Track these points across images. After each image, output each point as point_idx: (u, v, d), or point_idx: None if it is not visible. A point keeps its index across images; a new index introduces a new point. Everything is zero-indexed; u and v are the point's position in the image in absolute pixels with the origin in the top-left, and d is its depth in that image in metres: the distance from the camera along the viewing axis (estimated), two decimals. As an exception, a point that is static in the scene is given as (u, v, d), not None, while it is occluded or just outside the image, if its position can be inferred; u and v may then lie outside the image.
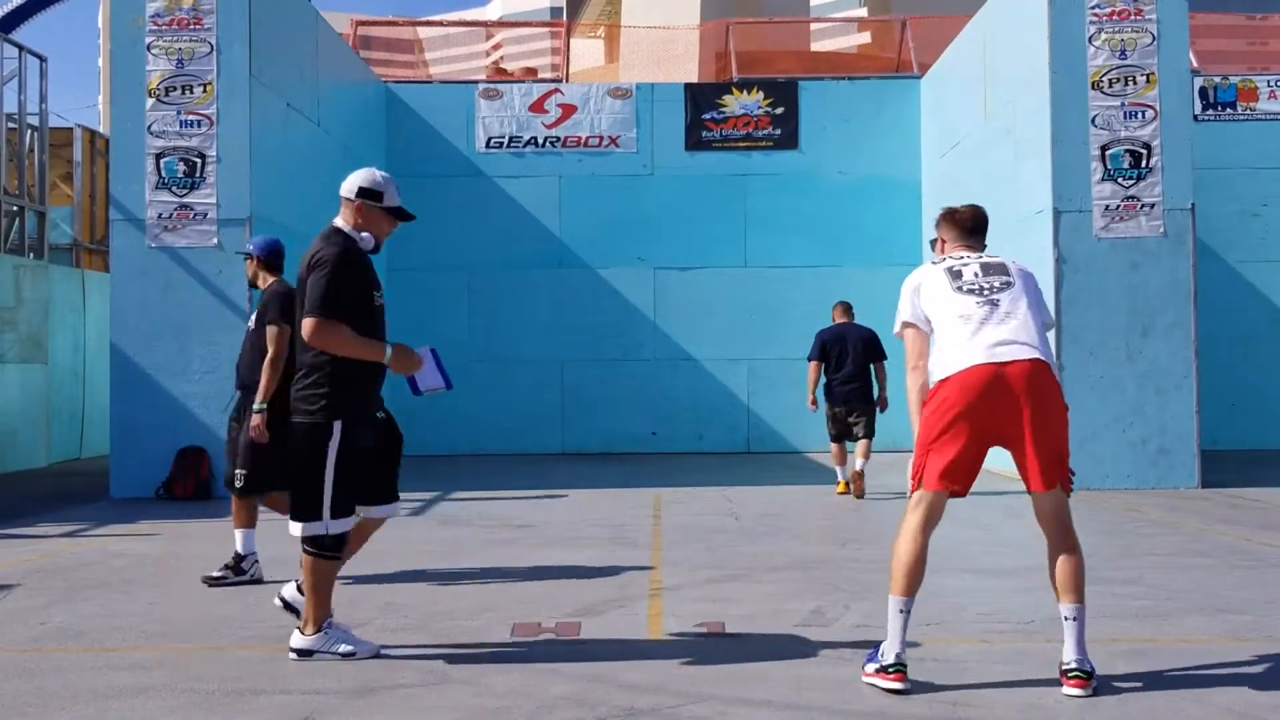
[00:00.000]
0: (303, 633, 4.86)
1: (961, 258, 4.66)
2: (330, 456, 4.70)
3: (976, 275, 4.54)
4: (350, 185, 5.00)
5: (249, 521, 6.67)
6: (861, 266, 16.87)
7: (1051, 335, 11.24)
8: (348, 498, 4.78)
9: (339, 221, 4.96)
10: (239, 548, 6.65)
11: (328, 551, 4.78)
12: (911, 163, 16.97)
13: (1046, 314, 4.57)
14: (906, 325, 4.62)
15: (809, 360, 11.10)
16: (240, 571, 6.62)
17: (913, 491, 4.45)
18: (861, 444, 10.62)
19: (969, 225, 4.78)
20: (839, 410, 10.76)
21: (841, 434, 10.82)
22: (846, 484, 10.77)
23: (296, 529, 4.79)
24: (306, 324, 4.66)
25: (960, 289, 4.51)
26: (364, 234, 4.95)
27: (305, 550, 4.79)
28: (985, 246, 4.82)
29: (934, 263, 4.74)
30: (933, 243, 5.00)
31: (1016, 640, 5.08)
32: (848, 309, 11.24)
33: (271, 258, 7.12)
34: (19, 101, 15.55)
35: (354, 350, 4.72)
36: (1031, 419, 4.30)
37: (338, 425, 4.72)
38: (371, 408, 4.93)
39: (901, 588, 4.35)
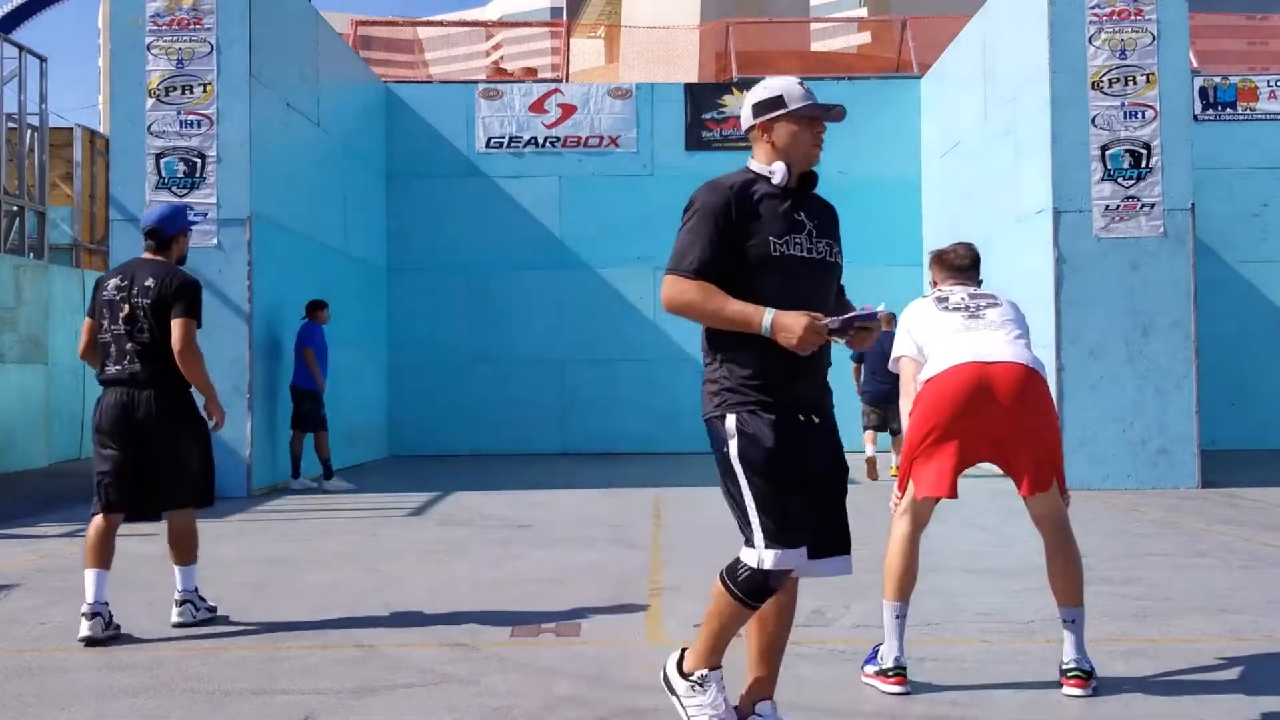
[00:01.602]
0: (681, 669, 3.66)
1: (951, 289, 4.69)
2: (735, 464, 3.46)
3: (963, 299, 4.59)
4: (745, 114, 3.74)
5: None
6: (861, 266, 16.82)
7: (1051, 335, 11.33)
8: (783, 524, 3.42)
9: (751, 163, 3.74)
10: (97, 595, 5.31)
11: (739, 590, 3.48)
12: (911, 163, 16.97)
13: (1030, 342, 4.55)
14: (901, 358, 4.65)
15: (852, 360, 12.59)
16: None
17: (900, 498, 4.46)
18: (898, 439, 11.44)
19: (958, 264, 4.79)
20: (870, 407, 12.16)
21: (876, 425, 12.24)
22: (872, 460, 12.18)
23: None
24: (662, 285, 3.59)
25: (947, 309, 4.57)
26: (773, 166, 3.62)
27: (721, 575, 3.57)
28: (980, 283, 4.83)
29: (924, 296, 4.81)
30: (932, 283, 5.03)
31: (1016, 640, 5.08)
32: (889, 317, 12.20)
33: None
34: (19, 101, 15.55)
35: (717, 319, 3.46)
36: (1019, 421, 4.27)
37: (731, 420, 3.47)
38: (785, 401, 3.48)
39: (894, 593, 4.37)
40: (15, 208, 15.61)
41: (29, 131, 15.88)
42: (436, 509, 10.24)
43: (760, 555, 3.41)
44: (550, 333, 16.89)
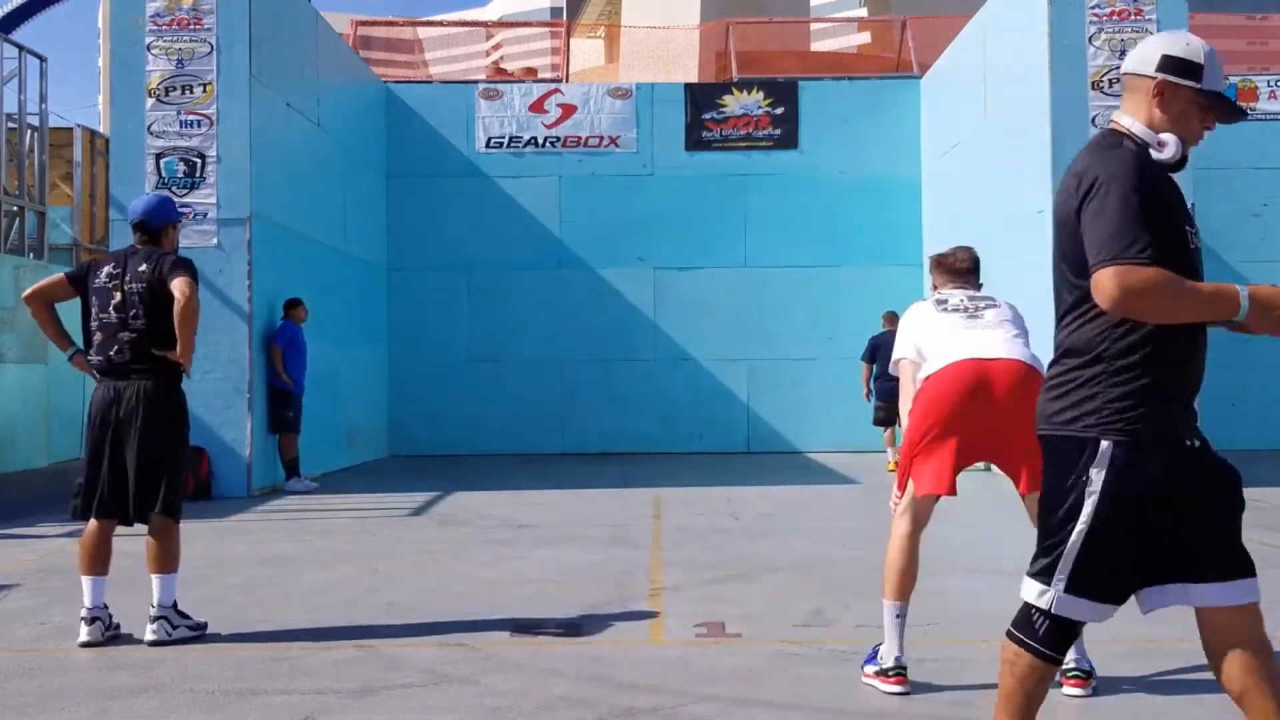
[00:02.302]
0: None
1: (951, 292, 4.69)
2: (1091, 499, 2.87)
3: (963, 300, 4.59)
4: (1146, 55, 3.04)
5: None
6: (861, 266, 16.88)
7: (1051, 336, 11.32)
8: (1105, 575, 2.93)
9: (1122, 117, 3.08)
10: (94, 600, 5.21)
11: (1031, 639, 3.02)
12: (911, 163, 16.97)
13: (1029, 343, 4.54)
14: (901, 360, 4.65)
15: (862, 360, 13.73)
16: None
17: (899, 497, 4.45)
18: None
19: (958, 267, 4.79)
20: (882, 403, 13.00)
21: (885, 421, 13.15)
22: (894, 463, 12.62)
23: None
24: (1103, 278, 2.74)
25: (946, 310, 4.57)
26: (1163, 136, 2.95)
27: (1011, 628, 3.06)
28: (981, 286, 4.83)
29: (924, 299, 4.81)
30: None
31: (1016, 640, 5.07)
32: (894, 317, 13.04)
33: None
34: (19, 101, 15.55)
35: (1186, 309, 2.78)
36: (1018, 419, 4.26)
37: (1107, 447, 2.86)
38: (1178, 425, 2.93)
39: (895, 593, 4.36)
40: (15, 208, 15.61)
41: (29, 131, 15.87)
42: (436, 509, 10.24)
43: (1054, 597, 2.93)
44: (550, 333, 16.89)
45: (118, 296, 5.26)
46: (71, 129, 17.80)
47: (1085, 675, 4.20)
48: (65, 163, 18.29)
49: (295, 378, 11.72)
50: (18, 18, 31.70)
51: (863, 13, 47.27)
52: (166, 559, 5.22)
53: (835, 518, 9.54)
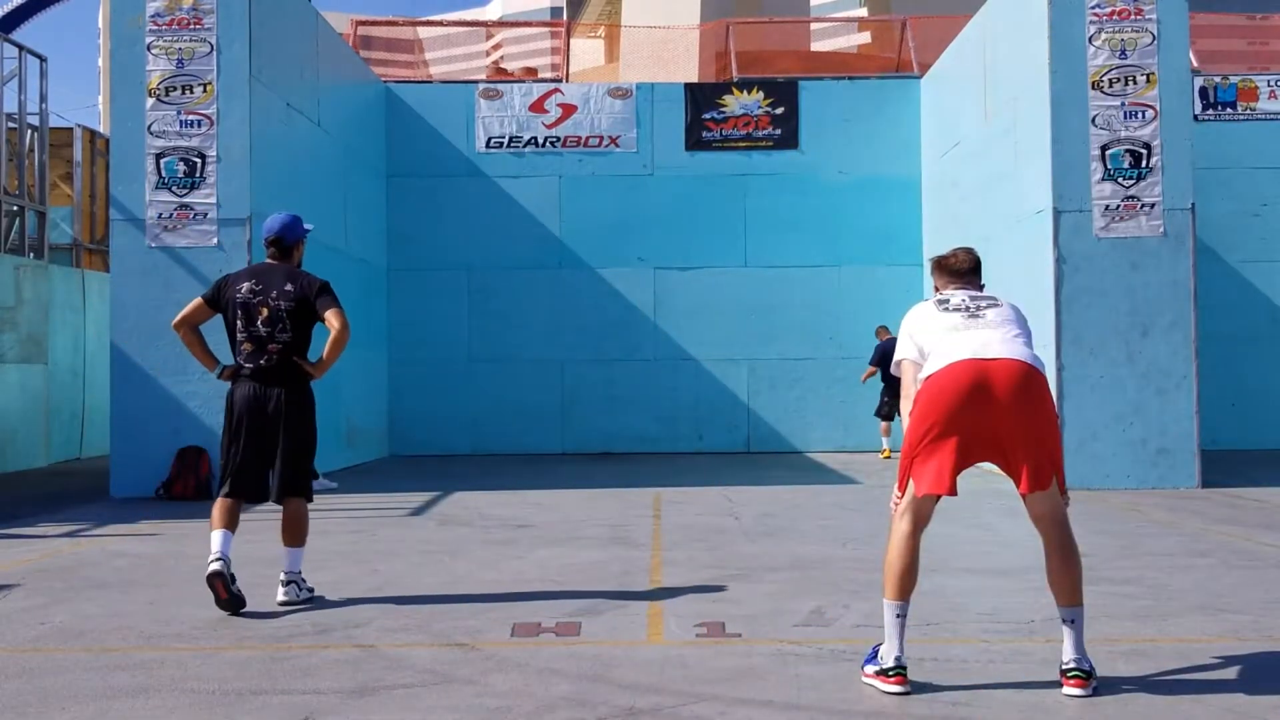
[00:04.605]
0: None
1: (952, 293, 4.68)
2: None
3: (964, 300, 4.58)
4: None
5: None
6: (861, 266, 16.89)
7: (1051, 335, 11.33)
8: None
9: None
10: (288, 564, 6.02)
11: None
12: (911, 163, 16.98)
13: (1030, 342, 4.54)
14: (902, 361, 4.63)
15: (870, 364, 15.13)
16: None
17: (899, 497, 4.44)
18: None
19: (958, 269, 4.77)
20: (888, 399, 14.47)
21: (886, 415, 14.67)
22: (889, 451, 14.64)
23: None
24: None
25: (947, 309, 4.56)
26: None
27: None
28: (982, 287, 4.81)
29: (926, 300, 4.80)
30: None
31: (1016, 640, 5.08)
32: (885, 330, 14.91)
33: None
34: (19, 101, 15.55)
35: None
36: (1019, 418, 4.26)
37: None
38: None
39: (895, 593, 4.34)
40: (15, 208, 15.61)
41: (29, 131, 15.87)
42: (436, 509, 10.24)
43: None
44: (550, 333, 16.90)
45: (264, 312, 5.92)
46: (71, 129, 17.81)
47: (1085, 675, 4.19)
48: (65, 163, 18.30)
49: None
50: (18, 18, 31.71)
51: (863, 13, 47.29)
52: (300, 534, 5.96)
53: (835, 518, 9.54)
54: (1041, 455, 4.28)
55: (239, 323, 5.97)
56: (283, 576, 5.95)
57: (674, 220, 16.92)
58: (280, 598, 5.88)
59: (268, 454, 5.89)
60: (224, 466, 5.98)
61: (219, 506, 5.87)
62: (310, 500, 6.07)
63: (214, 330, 6.27)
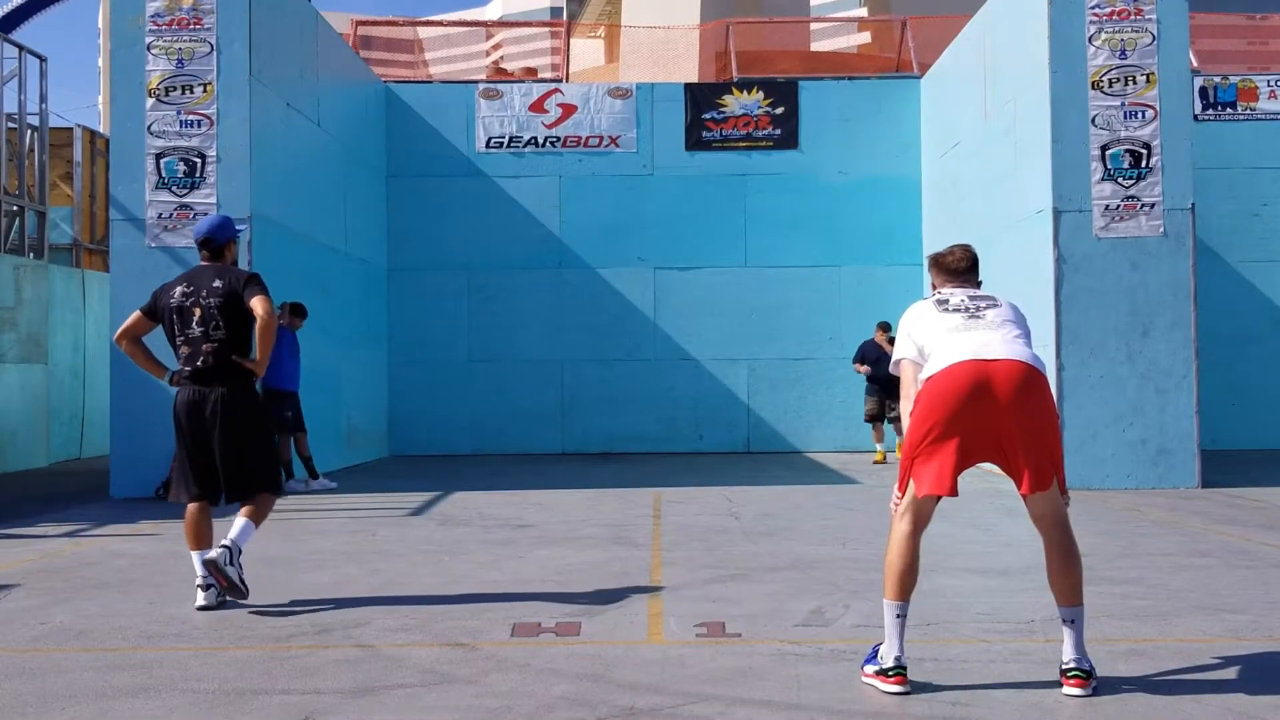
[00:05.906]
0: None
1: (952, 292, 4.67)
2: None
3: (964, 300, 4.57)
4: None
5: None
6: (861, 266, 16.89)
7: (1051, 335, 11.33)
8: None
9: None
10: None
11: None
12: (911, 163, 16.98)
13: (1030, 343, 4.53)
14: (901, 360, 4.63)
15: (854, 362, 14.96)
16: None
17: (900, 498, 4.44)
18: (897, 425, 12.32)
19: (956, 267, 4.76)
20: (871, 398, 14.42)
21: (875, 413, 14.40)
22: (884, 454, 14.29)
23: None
24: None
25: (946, 309, 4.55)
26: None
27: None
28: (980, 285, 4.81)
29: (925, 299, 4.78)
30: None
31: (1016, 640, 5.08)
32: (886, 327, 14.54)
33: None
34: (19, 101, 15.55)
35: None
36: (1020, 419, 4.26)
37: None
38: None
39: (895, 593, 4.34)
40: (15, 208, 15.61)
41: (29, 131, 15.88)
42: (436, 509, 10.23)
43: None
44: (550, 333, 16.90)
45: (198, 313, 5.89)
46: (71, 129, 17.81)
47: (1085, 675, 4.19)
48: (65, 163, 18.29)
49: (289, 378, 11.66)
50: (18, 18, 31.70)
51: (863, 13, 47.30)
52: (257, 514, 5.96)
53: (835, 518, 9.54)
54: (1042, 456, 4.28)
55: (175, 327, 5.96)
56: (224, 541, 5.77)
57: (674, 220, 16.92)
58: (209, 554, 5.74)
59: (211, 456, 5.88)
60: (178, 473, 6.02)
61: (186, 522, 5.95)
62: (277, 494, 6.08)
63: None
